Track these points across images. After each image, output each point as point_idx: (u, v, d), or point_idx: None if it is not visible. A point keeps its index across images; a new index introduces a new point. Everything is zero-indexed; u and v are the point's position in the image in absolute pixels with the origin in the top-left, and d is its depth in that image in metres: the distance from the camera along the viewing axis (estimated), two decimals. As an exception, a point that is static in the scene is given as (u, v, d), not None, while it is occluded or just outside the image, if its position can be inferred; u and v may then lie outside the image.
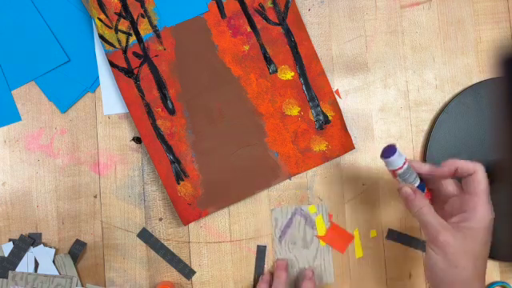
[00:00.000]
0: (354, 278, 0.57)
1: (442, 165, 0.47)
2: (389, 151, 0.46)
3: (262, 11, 0.57)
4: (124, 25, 0.55)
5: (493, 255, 0.57)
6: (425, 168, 0.47)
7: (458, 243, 0.43)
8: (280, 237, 0.57)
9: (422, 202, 0.45)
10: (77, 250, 0.55)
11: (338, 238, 0.57)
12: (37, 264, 0.54)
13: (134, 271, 0.56)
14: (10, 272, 0.53)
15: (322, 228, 0.57)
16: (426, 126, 0.58)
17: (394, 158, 0.45)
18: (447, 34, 0.59)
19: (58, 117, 0.56)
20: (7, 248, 0.54)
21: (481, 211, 0.44)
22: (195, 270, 0.56)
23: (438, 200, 0.48)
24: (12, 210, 0.55)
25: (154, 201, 0.56)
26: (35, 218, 0.55)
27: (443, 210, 0.47)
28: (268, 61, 0.57)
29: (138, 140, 0.57)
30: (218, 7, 0.57)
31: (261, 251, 0.56)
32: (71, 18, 0.57)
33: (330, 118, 0.57)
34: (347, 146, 0.57)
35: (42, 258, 0.54)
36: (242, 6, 0.57)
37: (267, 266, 0.56)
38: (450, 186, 0.48)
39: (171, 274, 0.56)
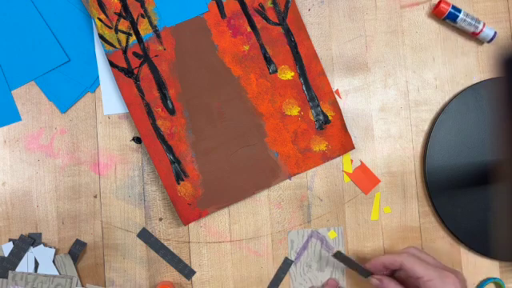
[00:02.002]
0: None
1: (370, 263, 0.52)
2: None
3: (262, 11, 0.57)
4: (124, 25, 0.55)
5: (493, 255, 0.58)
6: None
7: None
8: (295, 259, 0.56)
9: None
10: (77, 250, 0.55)
11: (364, 178, 0.57)
12: (37, 264, 0.54)
13: (134, 271, 0.56)
14: (9, 272, 0.53)
15: (349, 166, 0.57)
16: (425, 126, 0.58)
17: None
18: (447, 34, 0.59)
19: (57, 117, 0.56)
20: (7, 248, 0.54)
21: None
22: (195, 269, 0.56)
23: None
24: (12, 209, 0.55)
25: (154, 201, 0.56)
26: (35, 218, 0.55)
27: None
28: (268, 61, 0.57)
29: (138, 140, 0.57)
30: (218, 7, 0.57)
31: (287, 264, 0.56)
32: (71, 18, 0.57)
33: (330, 118, 0.57)
34: (347, 145, 0.57)
35: (41, 258, 0.54)
36: (242, 6, 0.57)
37: (291, 280, 0.56)
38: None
39: (171, 274, 0.56)
